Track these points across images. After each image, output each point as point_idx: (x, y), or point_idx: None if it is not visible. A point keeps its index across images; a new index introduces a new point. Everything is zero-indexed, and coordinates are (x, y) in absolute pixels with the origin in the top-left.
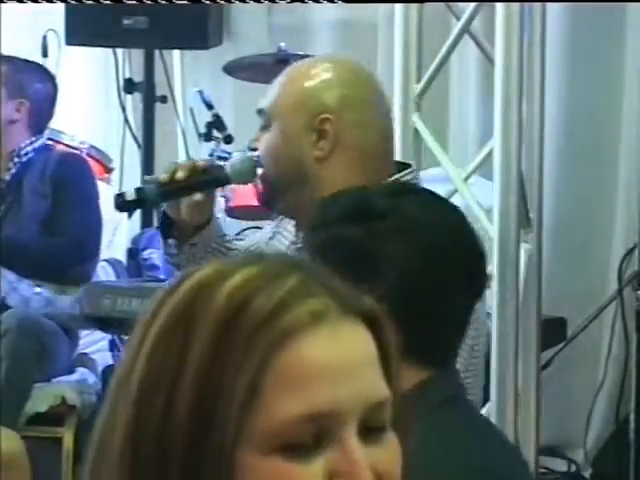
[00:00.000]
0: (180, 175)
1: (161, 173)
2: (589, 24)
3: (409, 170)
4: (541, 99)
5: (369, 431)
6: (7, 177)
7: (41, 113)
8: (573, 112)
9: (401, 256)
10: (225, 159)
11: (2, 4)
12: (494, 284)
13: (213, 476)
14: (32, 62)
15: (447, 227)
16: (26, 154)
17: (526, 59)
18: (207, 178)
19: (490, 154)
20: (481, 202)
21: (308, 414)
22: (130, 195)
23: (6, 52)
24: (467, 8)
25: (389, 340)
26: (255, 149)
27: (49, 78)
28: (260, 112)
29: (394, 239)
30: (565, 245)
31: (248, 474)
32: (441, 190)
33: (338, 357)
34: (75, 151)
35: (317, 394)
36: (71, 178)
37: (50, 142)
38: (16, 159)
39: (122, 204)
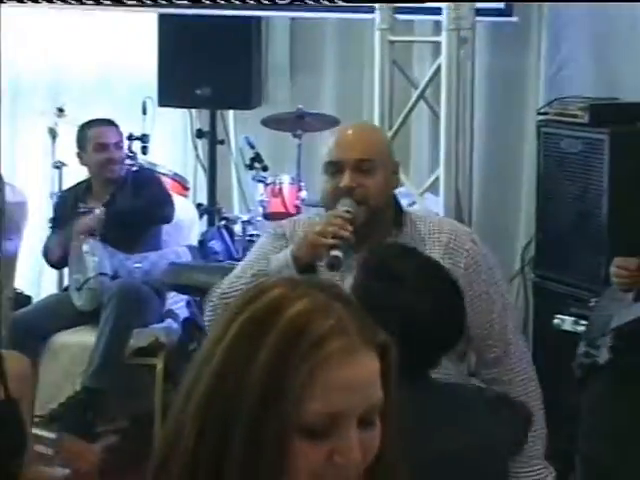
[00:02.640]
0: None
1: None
2: (503, 92)
3: None
4: (471, 141)
5: (364, 422)
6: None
7: None
8: (492, 149)
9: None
10: (262, 181)
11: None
12: None
13: (269, 437)
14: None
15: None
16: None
17: (461, 115)
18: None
19: (437, 179)
20: (432, 210)
21: (328, 412)
22: (340, 254)
23: (117, 113)
24: (422, 81)
25: (392, 362)
26: (352, 188)
27: None
28: (364, 161)
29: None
30: (487, 239)
31: (283, 443)
32: (404, 201)
33: (357, 379)
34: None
35: (338, 401)
36: (147, 176)
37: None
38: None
39: (338, 263)
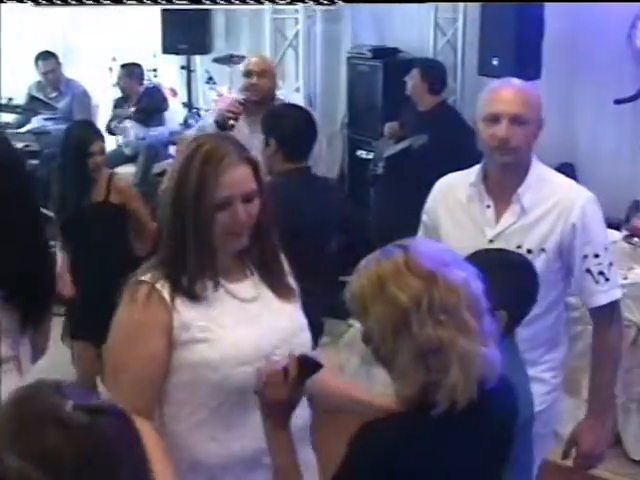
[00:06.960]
0: None
1: None
2: (331, 43)
3: None
4: (314, 67)
5: (246, 200)
6: None
7: None
8: (326, 70)
9: None
10: (213, 89)
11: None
12: None
13: (204, 210)
14: None
15: None
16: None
17: (310, 55)
18: None
19: (299, 86)
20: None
21: (228, 195)
22: (232, 118)
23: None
24: (290, 37)
25: (258, 171)
26: (254, 85)
27: None
28: (259, 72)
29: None
30: (325, 114)
31: (210, 213)
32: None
33: (240, 177)
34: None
35: (232, 189)
36: (153, 88)
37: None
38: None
39: (228, 123)
